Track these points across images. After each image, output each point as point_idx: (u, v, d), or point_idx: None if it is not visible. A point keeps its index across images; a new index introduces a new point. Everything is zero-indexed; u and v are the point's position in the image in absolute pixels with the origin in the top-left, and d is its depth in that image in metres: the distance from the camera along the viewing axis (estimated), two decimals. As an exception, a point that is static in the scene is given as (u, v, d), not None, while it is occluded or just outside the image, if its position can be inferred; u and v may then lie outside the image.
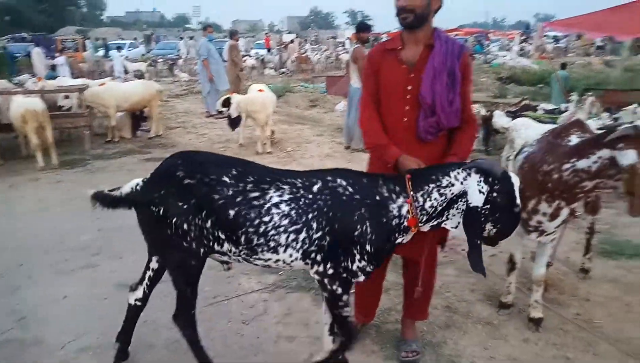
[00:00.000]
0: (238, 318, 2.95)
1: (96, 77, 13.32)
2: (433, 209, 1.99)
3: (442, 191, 1.96)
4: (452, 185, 1.96)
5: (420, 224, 2.03)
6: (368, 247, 1.99)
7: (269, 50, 25.50)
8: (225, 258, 2.15)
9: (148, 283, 2.35)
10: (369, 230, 1.97)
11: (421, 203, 1.98)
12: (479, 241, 1.95)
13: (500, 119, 7.44)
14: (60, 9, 60.64)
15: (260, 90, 7.27)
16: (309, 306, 3.07)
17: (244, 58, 19.73)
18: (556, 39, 29.07)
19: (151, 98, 8.04)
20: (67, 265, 3.65)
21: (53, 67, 16.07)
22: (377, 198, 2.00)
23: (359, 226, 1.96)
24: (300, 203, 1.96)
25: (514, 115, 7.87)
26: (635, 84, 12.48)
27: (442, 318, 2.95)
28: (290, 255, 2.00)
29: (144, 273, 2.36)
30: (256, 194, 1.95)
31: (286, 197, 1.96)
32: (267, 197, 1.95)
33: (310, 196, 1.97)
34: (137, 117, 8.44)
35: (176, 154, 2.14)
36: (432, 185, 1.98)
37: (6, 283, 3.38)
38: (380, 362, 2.57)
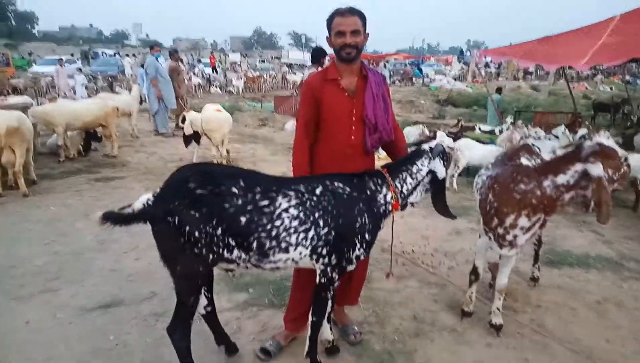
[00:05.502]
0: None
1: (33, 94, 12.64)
2: (408, 191, 2.47)
3: (413, 176, 2.45)
4: (420, 170, 2.46)
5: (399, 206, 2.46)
6: (367, 236, 2.33)
7: (214, 69, 25.37)
8: (232, 266, 2.25)
9: (205, 288, 2.49)
10: (367, 220, 2.31)
11: (400, 189, 2.43)
12: (444, 197, 2.56)
13: (444, 140, 7.90)
14: (-15, 21, 57.13)
15: (217, 110, 7.24)
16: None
17: (189, 77, 19.57)
18: (487, 65, 31.12)
19: (107, 116, 7.70)
20: (24, 290, 3.47)
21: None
22: (368, 192, 2.36)
23: (359, 219, 2.28)
24: (307, 205, 2.20)
25: (455, 136, 8.39)
26: (559, 106, 13.72)
27: (410, 327, 3.10)
28: (300, 253, 2.22)
29: None
30: (265, 202, 2.14)
31: (294, 202, 2.18)
32: (277, 204, 2.15)
33: (315, 198, 2.23)
34: (91, 136, 8.02)
35: (184, 167, 2.23)
36: (404, 173, 2.44)
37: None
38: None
